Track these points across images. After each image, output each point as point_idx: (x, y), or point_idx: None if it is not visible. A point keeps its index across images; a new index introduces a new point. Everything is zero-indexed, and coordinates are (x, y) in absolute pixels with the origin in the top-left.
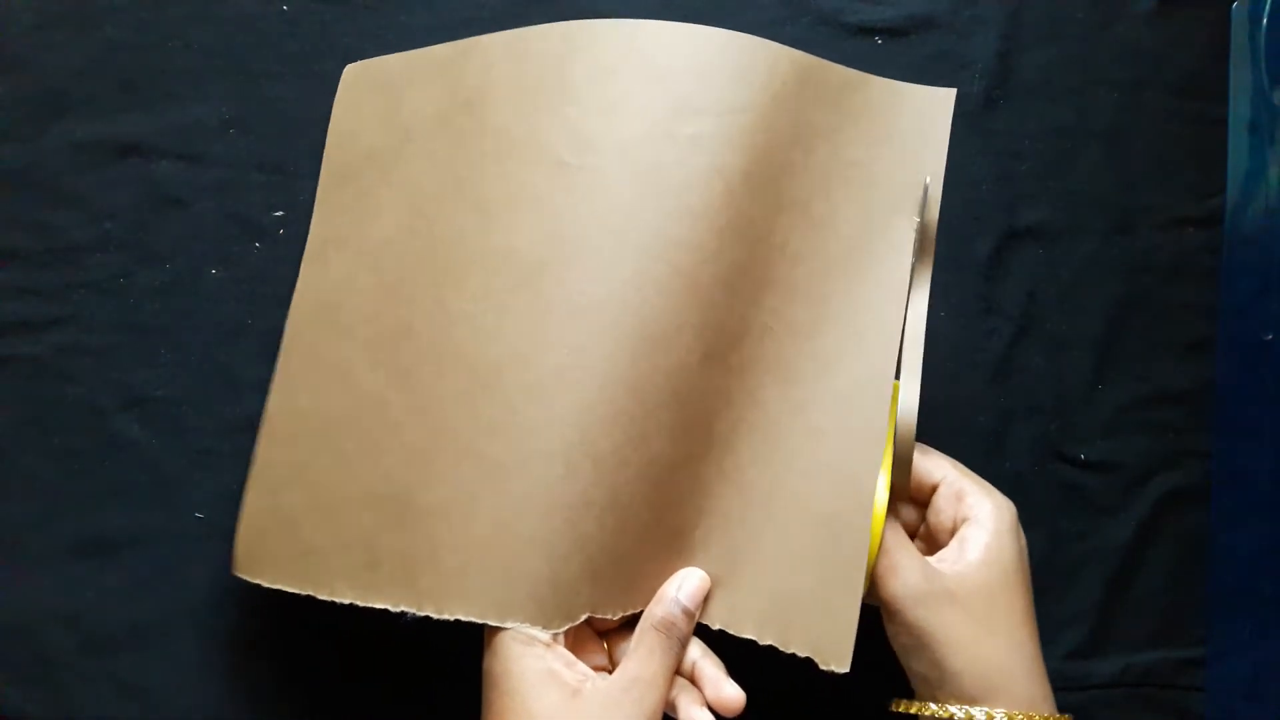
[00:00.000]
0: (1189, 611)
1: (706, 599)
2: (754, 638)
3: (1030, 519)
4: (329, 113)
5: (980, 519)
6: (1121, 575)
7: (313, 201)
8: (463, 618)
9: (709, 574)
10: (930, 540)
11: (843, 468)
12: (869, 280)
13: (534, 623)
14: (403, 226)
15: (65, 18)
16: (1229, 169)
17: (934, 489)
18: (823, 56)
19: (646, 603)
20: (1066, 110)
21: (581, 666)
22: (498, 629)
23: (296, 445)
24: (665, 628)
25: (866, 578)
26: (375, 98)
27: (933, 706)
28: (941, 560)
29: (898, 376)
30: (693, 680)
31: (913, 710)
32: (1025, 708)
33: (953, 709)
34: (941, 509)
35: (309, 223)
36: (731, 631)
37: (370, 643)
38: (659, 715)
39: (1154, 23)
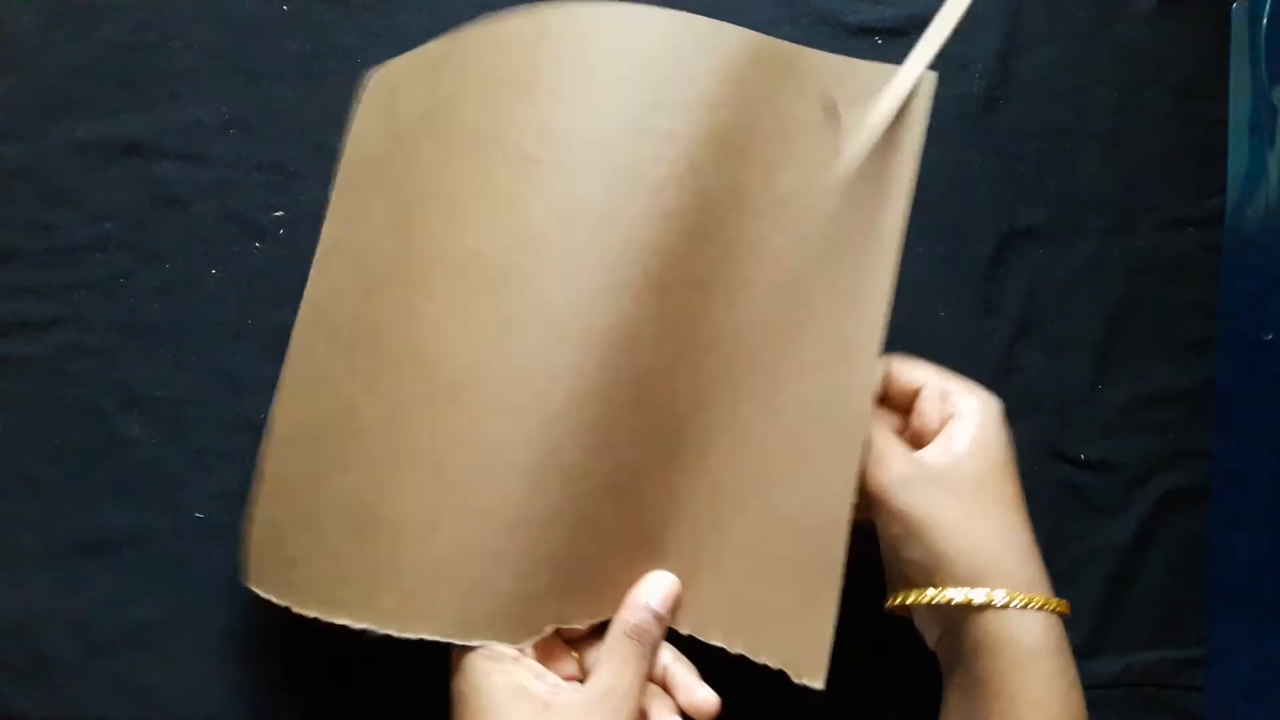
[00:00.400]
0: (1189, 612)
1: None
2: (722, 644)
3: (1030, 519)
4: (329, 112)
5: (965, 413)
6: (1121, 575)
7: (312, 202)
8: (426, 636)
9: (679, 578)
10: (916, 443)
11: (819, 478)
12: (851, 280)
13: (499, 639)
14: (382, 229)
15: (65, 18)
16: (1229, 169)
17: (916, 393)
18: None
19: (615, 608)
20: (1066, 110)
21: (552, 678)
22: (465, 648)
23: (289, 453)
24: (637, 634)
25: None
26: (379, 102)
27: (930, 591)
28: (928, 454)
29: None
30: (664, 686)
31: (909, 600)
32: (1023, 589)
33: (950, 592)
34: (925, 411)
35: (309, 223)
36: (699, 637)
37: (370, 644)
38: (640, 702)
39: (1154, 23)
